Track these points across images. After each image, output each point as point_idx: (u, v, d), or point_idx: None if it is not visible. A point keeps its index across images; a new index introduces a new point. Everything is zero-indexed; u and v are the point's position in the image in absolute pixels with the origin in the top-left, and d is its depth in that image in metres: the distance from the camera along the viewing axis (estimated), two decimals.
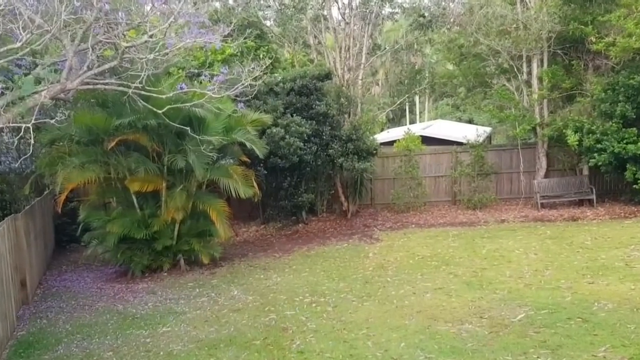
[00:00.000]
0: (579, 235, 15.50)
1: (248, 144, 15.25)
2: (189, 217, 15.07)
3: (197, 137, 12.68)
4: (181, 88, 11.68)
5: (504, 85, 21.70)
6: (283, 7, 21.69)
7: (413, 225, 19.40)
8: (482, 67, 22.26)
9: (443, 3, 23.48)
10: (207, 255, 15.28)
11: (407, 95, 27.02)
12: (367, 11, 21.21)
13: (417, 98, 44.93)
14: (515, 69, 21.01)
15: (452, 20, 22.70)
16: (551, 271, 12.27)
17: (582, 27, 18.80)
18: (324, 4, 21.49)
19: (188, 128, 12.00)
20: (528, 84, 21.05)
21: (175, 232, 15.10)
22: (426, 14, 22.86)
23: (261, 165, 18.20)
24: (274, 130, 17.96)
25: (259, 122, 16.45)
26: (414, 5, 23.16)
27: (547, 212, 19.42)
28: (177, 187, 14.69)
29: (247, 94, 13.07)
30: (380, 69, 39.62)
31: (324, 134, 19.29)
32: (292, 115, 18.67)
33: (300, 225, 20.31)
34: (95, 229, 15.27)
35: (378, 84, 41.48)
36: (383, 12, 22.61)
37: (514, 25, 20.10)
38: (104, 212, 15.25)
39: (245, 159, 16.28)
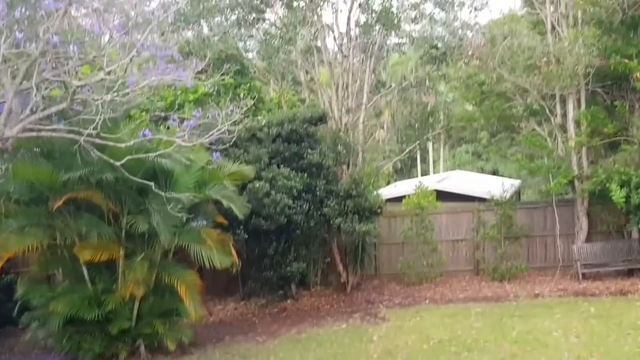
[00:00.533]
0: (630, 313, 15.50)
1: (225, 202, 15.42)
2: (152, 293, 15.07)
3: (163, 194, 12.69)
4: (144, 135, 11.83)
5: (534, 129, 22.25)
6: (268, 37, 22.09)
7: (427, 301, 19.53)
8: (508, 108, 22.90)
9: (460, 32, 23.79)
10: (174, 340, 15.18)
11: (418, 142, 28.07)
12: (369, 42, 21.73)
13: (430, 145, 45.58)
14: (548, 111, 21.55)
15: (470, 52, 23.06)
16: (597, 359, 12.32)
17: (626, 61, 19.19)
18: (317, 33, 22.03)
19: (152, 183, 12.18)
20: (563, 128, 21.60)
21: (135, 312, 15.00)
22: (439, 45, 23.41)
23: (241, 227, 18.22)
24: (257, 185, 18.23)
25: (239, 176, 16.77)
26: (425, 34, 23.72)
27: (590, 285, 19.66)
28: (138, 256, 14.68)
29: (225, 141, 13.35)
30: (386, 110, 40.20)
31: (317, 189, 19.57)
32: (279, 167, 19.07)
33: (288, 301, 20.50)
34: (36, 308, 15.14)
35: (383, 128, 41.97)
36: (388, 42, 23.26)
37: (545, 59, 20.62)
38: (47, 287, 15.26)
39: (221, 220, 16.41)
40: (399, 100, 33.25)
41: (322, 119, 20.37)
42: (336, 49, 22.21)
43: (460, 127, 26.92)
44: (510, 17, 24.62)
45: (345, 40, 22.00)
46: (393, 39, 23.35)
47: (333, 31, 22.00)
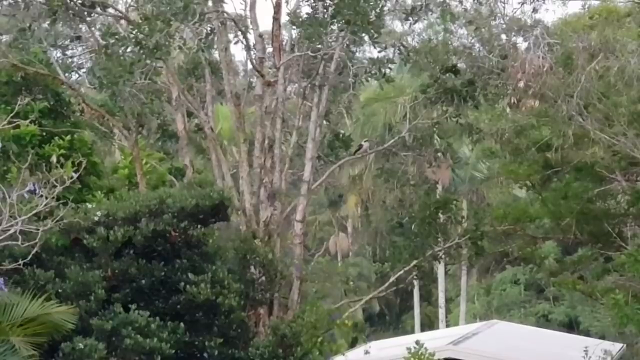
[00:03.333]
0: None
1: None
2: None
3: None
4: None
5: None
6: (111, 42, 19.17)
7: None
8: (598, 197, 22.65)
9: (496, 43, 21.96)
10: None
11: (415, 263, 23.54)
12: (319, 58, 20.51)
13: (441, 268, 40.90)
14: None
15: (522, 82, 21.48)
16: None
17: None
18: (212, 37, 21.32)
19: None
20: None
21: None
22: (460, 65, 22.74)
23: None
24: (81, 346, 16.05)
25: (44, 326, 15.13)
26: (432, 43, 23.41)
27: None
28: None
29: (16, 254, 13.72)
30: (351, 195, 41.19)
31: (208, 353, 17.92)
32: (126, 308, 17.10)
33: None
34: None
35: (346, 231, 42.89)
36: (358, 58, 23.54)
37: None
38: None
39: None
40: (378, 175, 30.58)
41: (218, 211, 18.72)
42: (250, 67, 22.67)
43: (501, 233, 24.61)
44: (604, 10, 23.53)
45: (269, 52, 21.87)
46: (368, 53, 23.97)
47: (244, 32, 21.27)
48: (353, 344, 32.79)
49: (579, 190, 22.79)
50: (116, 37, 19.68)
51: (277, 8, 21.32)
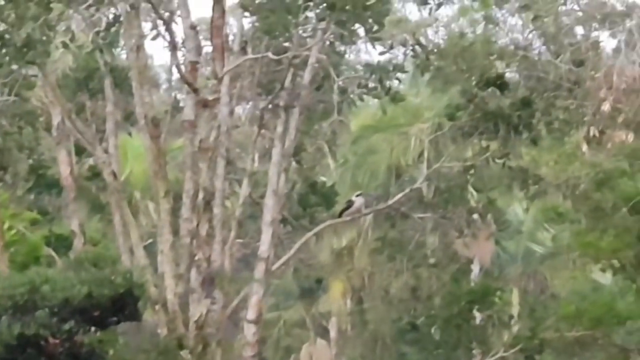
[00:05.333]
0: None
1: None
2: None
3: None
4: None
5: None
6: None
7: None
8: None
9: (567, 41, 23.11)
10: None
11: None
12: (285, 64, 21.24)
13: None
14: None
15: (603, 100, 22.62)
16: None
17: None
18: (117, 29, 21.43)
19: None
20: None
21: None
22: (510, 75, 24.13)
23: None
24: None
25: None
26: (465, 41, 24.14)
27: None
28: None
29: None
30: (335, 281, 43.25)
31: None
32: None
33: None
34: None
35: (328, 332, 44.48)
36: (350, 59, 24.70)
37: None
38: None
39: None
40: (378, 250, 30.36)
41: (124, 305, 17.85)
42: (177, 77, 24.43)
43: (573, 342, 24.57)
44: None
45: (207, 53, 22.42)
46: (365, 55, 25.00)
47: (167, 22, 21.33)
48: None
49: None
50: None
51: None
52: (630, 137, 23.16)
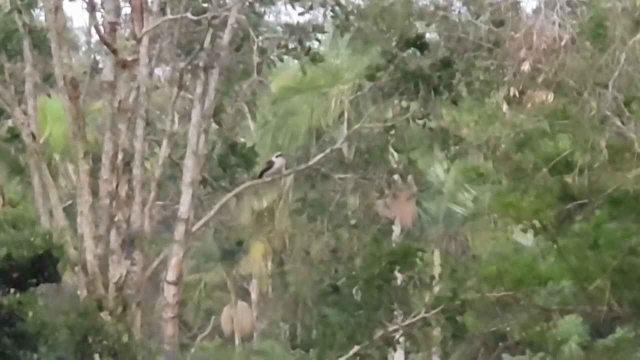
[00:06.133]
0: None
1: None
2: None
3: None
4: None
5: None
6: None
7: None
8: None
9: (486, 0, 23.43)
10: None
11: (358, 348, 23.63)
12: (205, 25, 21.42)
13: (397, 357, 41.83)
14: None
15: (522, 61, 22.37)
16: None
17: None
18: None
19: None
20: None
21: None
22: (430, 35, 24.51)
23: None
24: None
25: None
26: (385, 1, 24.42)
27: None
28: None
29: None
30: (256, 242, 43.62)
31: None
32: None
33: None
34: None
35: (249, 294, 46.52)
36: (269, 21, 24.87)
37: None
38: None
39: None
40: (298, 211, 29.23)
41: (43, 267, 18.02)
42: (96, 38, 23.57)
43: (494, 302, 24.90)
44: None
45: (125, 14, 22.21)
46: (285, 16, 24.77)
47: None
48: None
49: (616, 234, 22.61)
50: None
51: None
52: (550, 97, 23.33)
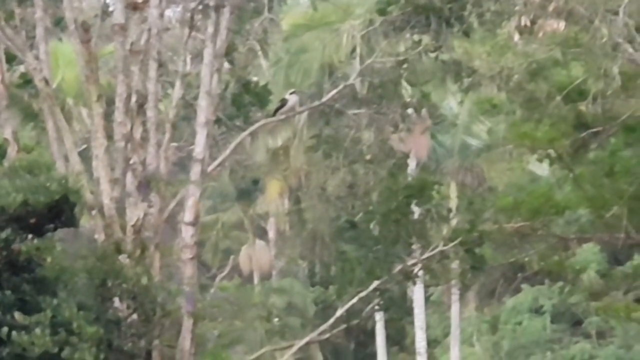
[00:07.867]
0: None
1: None
2: None
3: None
4: None
5: None
6: None
7: None
8: None
9: None
10: None
11: (377, 284, 23.76)
12: None
13: (417, 291, 44.41)
14: None
15: None
16: None
17: None
18: None
19: None
20: None
21: None
22: None
23: None
24: None
25: None
26: None
27: None
28: None
29: None
30: (272, 181, 43.61)
31: None
32: None
33: None
34: None
35: (266, 233, 46.79)
36: None
37: None
38: None
39: None
40: (313, 148, 31.62)
41: (60, 212, 18.03)
42: None
43: (512, 233, 25.20)
44: None
45: None
46: None
47: None
48: None
49: (631, 161, 22.64)
50: None
51: None
52: (562, 25, 23.38)
